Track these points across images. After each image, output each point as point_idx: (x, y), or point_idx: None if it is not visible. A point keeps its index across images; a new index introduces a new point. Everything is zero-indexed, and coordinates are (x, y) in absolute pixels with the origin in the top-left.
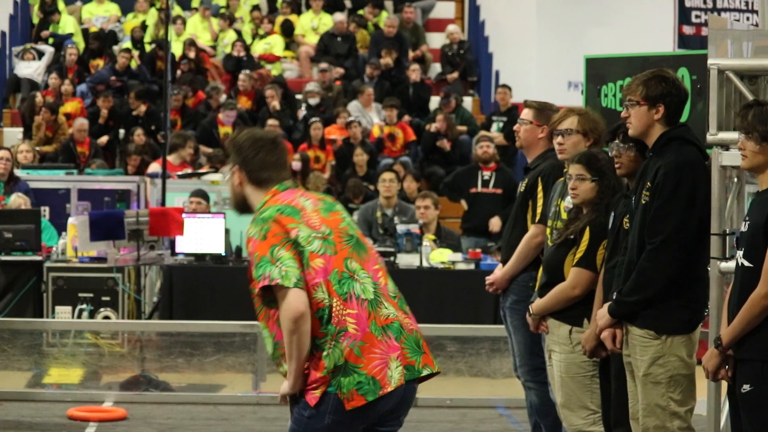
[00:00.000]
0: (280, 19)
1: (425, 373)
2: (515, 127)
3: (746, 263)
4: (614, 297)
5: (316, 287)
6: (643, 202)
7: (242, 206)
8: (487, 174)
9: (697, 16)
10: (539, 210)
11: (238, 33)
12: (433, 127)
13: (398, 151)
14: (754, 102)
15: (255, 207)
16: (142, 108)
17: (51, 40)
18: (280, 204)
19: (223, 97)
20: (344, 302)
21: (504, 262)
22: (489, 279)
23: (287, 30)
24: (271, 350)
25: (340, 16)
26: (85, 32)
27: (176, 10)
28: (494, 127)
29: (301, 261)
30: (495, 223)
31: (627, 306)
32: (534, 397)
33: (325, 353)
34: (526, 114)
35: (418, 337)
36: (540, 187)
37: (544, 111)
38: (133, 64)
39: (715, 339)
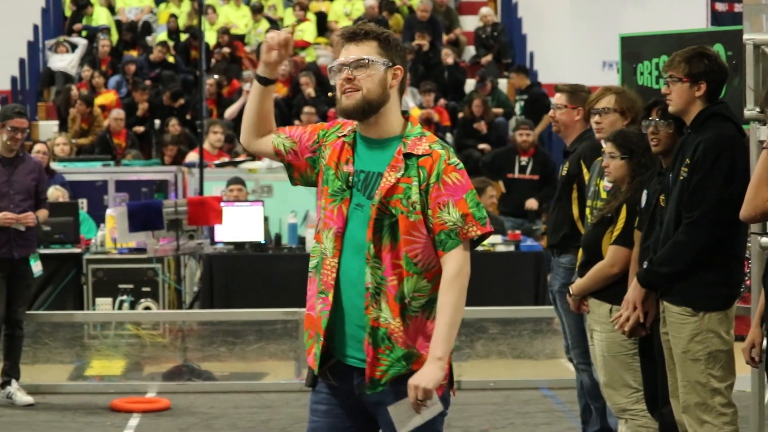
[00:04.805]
0: (314, 6)
1: None
2: (551, 113)
3: None
4: (645, 266)
5: None
6: (681, 177)
7: (369, 110)
8: (524, 160)
9: None
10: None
11: (271, 21)
12: (468, 111)
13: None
14: None
15: (389, 122)
16: (180, 101)
17: (84, 33)
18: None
19: None
20: None
21: (550, 246)
22: None
23: (321, 18)
24: (409, 295)
25: (372, 1)
26: (119, 23)
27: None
28: (517, 107)
29: None
30: (531, 203)
31: (656, 276)
32: (586, 378)
33: None
34: (559, 99)
35: None
36: (585, 170)
37: (577, 93)
38: (170, 59)
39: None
